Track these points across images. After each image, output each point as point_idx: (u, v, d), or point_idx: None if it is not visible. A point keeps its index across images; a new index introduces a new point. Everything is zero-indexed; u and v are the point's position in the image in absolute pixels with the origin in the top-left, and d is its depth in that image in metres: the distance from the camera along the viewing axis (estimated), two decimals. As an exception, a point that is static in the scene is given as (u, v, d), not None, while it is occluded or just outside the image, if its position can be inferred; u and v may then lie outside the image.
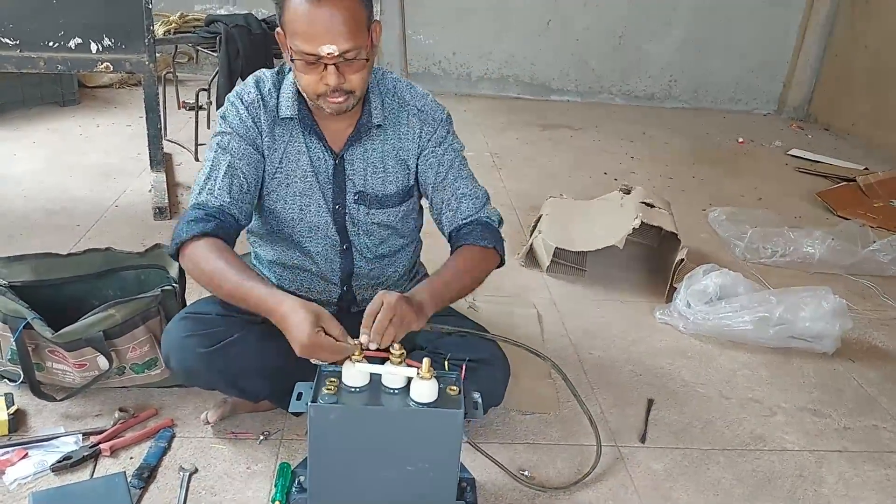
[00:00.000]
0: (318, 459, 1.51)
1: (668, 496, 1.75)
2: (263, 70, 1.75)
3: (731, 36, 5.84)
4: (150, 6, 2.95)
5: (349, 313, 1.88)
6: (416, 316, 1.50)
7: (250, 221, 1.75)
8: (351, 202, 1.76)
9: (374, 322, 1.45)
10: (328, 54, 1.51)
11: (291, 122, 1.70)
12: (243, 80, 3.51)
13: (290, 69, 1.69)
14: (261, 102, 1.69)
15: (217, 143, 1.69)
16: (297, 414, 1.77)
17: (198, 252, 1.56)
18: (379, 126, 1.72)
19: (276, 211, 1.76)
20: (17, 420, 1.78)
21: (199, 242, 1.57)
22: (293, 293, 1.81)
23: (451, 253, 1.75)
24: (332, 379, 1.50)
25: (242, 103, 1.69)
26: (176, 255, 1.62)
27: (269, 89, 1.70)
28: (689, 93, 6.05)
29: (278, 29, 1.60)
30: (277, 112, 1.70)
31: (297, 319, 1.41)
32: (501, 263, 1.81)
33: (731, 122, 5.66)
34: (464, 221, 1.77)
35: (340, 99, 1.58)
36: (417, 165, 1.78)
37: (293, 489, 1.62)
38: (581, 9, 5.71)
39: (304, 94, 1.63)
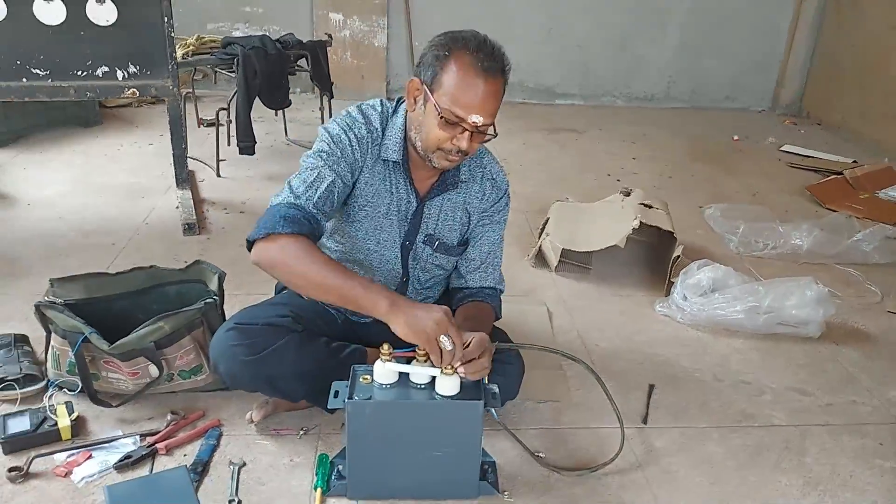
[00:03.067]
0: (355, 449, 1.67)
1: (667, 470, 1.92)
2: (372, 104, 1.84)
3: (725, 37, 5.96)
4: (173, 35, 3.07)
5: (382, 323, 2.05)
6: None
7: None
8: (419, 242, 1.93)
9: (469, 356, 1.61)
10: (473, 123, 1.65)
11: (390, 163, 1.83)
12: (261, 99, 3.64)
13: (394, 111, 1.83)
14: (369, 141, 1.80)
15: (324, 159, 1.76)
16: (331, 411, 1.93)
17: (291, 248, 1.63)
18: (462, 181, 1.89)
19: (356, 238, 1.90)
20: (79, 425, 1.90)
21: (292, 238, 1.64)
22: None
23: (473, 299, 1.97)
24: (366, 377, 1.66)
25: (355, 136, 1.78)
26: (250, 246, 1.68)
27: (377, 128, 1.81)
28: (686, 93, 6.16)
29: (415, 78, 1.71)
30: (380, 152, 1.81)
31: (422, 309, 1.57)
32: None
33: (727, 121, 5.76)
34: (491, 285, 2.02)
35: (457, 159, 1.73)
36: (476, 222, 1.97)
37: (332, 477, 1.76)
38: (581, 16, 5.82)
39: (422, 144, 1.73)
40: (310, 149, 1.83)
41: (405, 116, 1.81)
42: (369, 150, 1.81)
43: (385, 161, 1.83)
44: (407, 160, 1.83)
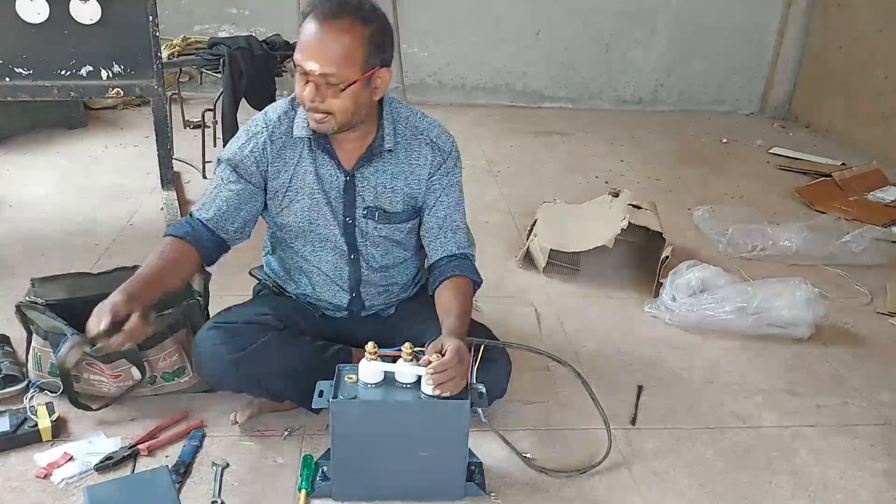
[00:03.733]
0: (340, 449, 1.66)
1: (656, 471, 1.90)
2: (280, 99, 1.89)
3: (713, 40, 5.96)
4: (158, 34, 3.05)
5: (360, 318, 2.05)
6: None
7: (242, 236, 1.91)
8: (360, 216, 1.90)
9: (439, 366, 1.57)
10: (309, 69, 1.64)
11: (303, 141, 1.83)
12: (247, 100, 3.67)
13: None
14: (267, 134, 1.83)
15: (220, 170, 1.87)
16: (316, 411, 1.90)
17: (157, 247, 1.79)
18: (390, 150, 1.85)
19: (286, 224, 1.91)
20: (59, 426, 1.88)
21: (165, 240, 1.82)
22: (306, 296, 2.00)
23: (444, 278, 1.90)
24: (351, 376, 1.65)
25: (247, 136, 1.85)
26: None
27: (280, 115, 1.84)
28: (674, 96, 6.16)
29: None
30: (292, 132, 1.83)
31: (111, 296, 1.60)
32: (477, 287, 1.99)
33: (716, 123, 5.77)
34: (456, 252, 1.94)
35: (318, 116, 1.70)
36: (424, 189, 1.93)
37: (317, 478, 1.75)
38: (568, 19, 5.81)
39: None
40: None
41: None
42: (270, 141, 1.83)
43: (298, 141, 1.84)
44: (325, 136, 1.80)
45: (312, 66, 1.63)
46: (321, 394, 1.64)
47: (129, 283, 1.65)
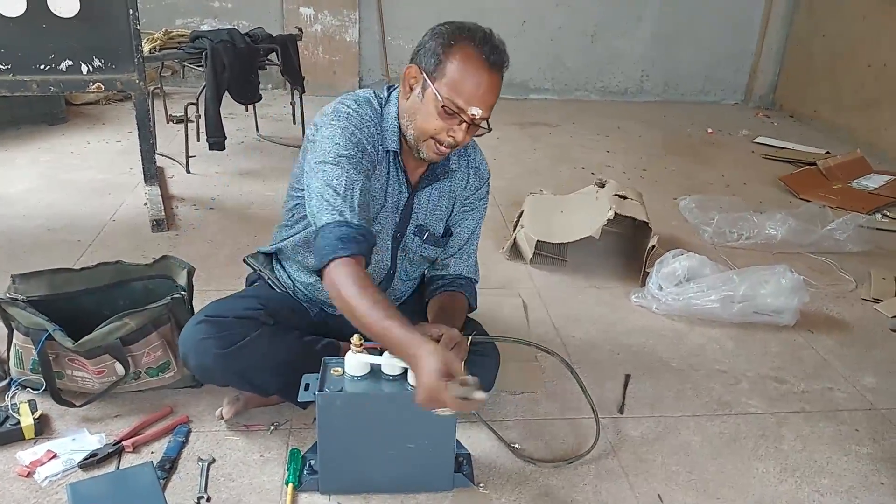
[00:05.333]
0: (326, 442, 1.65)
1: (644, 458, 1.91)
2: (366, 97, 1.78)
3: (698, 30, 5.99)
4: (139, 28, 3.01)
5: None
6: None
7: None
8: (410, 233, 1.91)
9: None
10: (472, 115, 1.63)
11: (389, 153, 1.79)
12: (230, 94, 3.59)
13: (386, 100, 1.78)
14: (377, 134, 1.75)
15: (348, 161, 1.66)
16: (304, 405, 1.91)
17: (342, 278, 1.55)
18: (452, 171, 1.88)
19: None
20: (42, 424, 1.86)
21: (346, 264, 1.56)
22: (312, 290, 1.97)
23: (447, 290, 1.96)
24: (337, 369, 1.64)
25: (368, 132, 1.73)
26: (319, 272, 1.61)
27: (378, 120, 1.77)
28: (660, 86, 6.19)
29: (413, 65, 1.67)
30: (382, 143, 1.77)
31: (428, 365, 1.41)
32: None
33: (701, 114, 5.80)
34: (466, 275, 2.00)
35: (446, 151, 1.71)
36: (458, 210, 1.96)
37: (304, 472, 1.74)
38: (554, 9, 5.83)
39: (414, 133, 1.70)
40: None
41: (397, 105, 1.77)
42: (380, 144, 1.77)
43: (384, 152, 1.80)
44: (401, 150, 1.80)
45: (477, 112, 1.64)
46: (307, 387, 1.64)
47: (423, 338, 1.48)
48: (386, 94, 1.81)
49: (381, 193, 1.82)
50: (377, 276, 1.93)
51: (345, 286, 1.54)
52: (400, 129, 1.76)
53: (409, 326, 1.50)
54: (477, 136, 1.74)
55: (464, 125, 1.65)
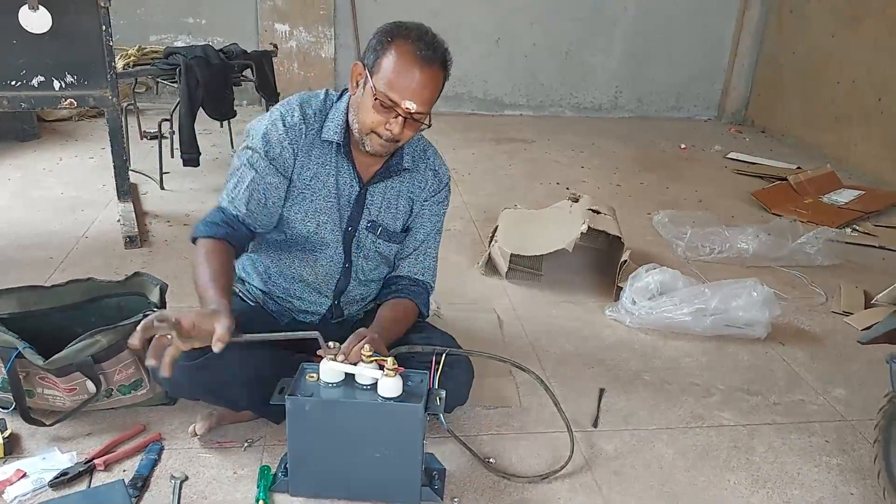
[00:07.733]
0: (295, 446, 1.67)
1: (618, 472, 1.91)
2: (310, 93, 1.89)
3: (671, 47, 6.07)
4: (112, 44, 3.00)
5: (329, 323, 2.04)
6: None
7: (270, 227, 1.89)
8: (363, 228, 1.93)
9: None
10: (406, 108, 1.69)
11: (331, 145, 1.85)
12: (205, 110, 3.62)
13: (338, 97, 1.86)
14: (303, 125, 1.83)
15: (247, 158, 1.82)
16: (277, 421, 1.91)
17: (200, 250, 1.73)
18: (406, 170, 1.92)
19: (293, 222, 1.89)
20: (12, 443, 1.84)
21: (205, 242, 1.75)
22: (282, 300, 1.99)
23: (398, 296, 1.99)
24: (312, 375, 1.66)
25: (284, 125, 1.82)
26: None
27: (315, 112, 1.85)
28: (633, 103, 6.25)
29: (359, 62, 1.75)
30: (320, 134, 1.84)
31: (219, 319, 1.52)
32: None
33: (674, 129, 5.86)
34: (419, 277, 2.02)
35: (389, 146, 1.77)
36: (416, 211, 1.99)
37: (279, 473, 1.76)
38: (528, 27, 5.88)
39: (358, 126, 1.77)
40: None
41: (348, 101, 1.84)
42: (304, 135, 1.83)
43: (327, 144, 1.85)
44: (349, 144, 1.85)
45: (410, 105, 1.69)
46: (282, 390, 1.66)
47: (216, 294, 1.60)
48: (339, 94, 1.90)
49: (325, 184, 1.87)
50: (332, 268, 1.96)
51: (196, 257, 1.73)
52: (348, 123, 1.82)
53: (225, 294, 1.62)
54: (419, 130, 1.78)
55: (399, 119, 1.70)
